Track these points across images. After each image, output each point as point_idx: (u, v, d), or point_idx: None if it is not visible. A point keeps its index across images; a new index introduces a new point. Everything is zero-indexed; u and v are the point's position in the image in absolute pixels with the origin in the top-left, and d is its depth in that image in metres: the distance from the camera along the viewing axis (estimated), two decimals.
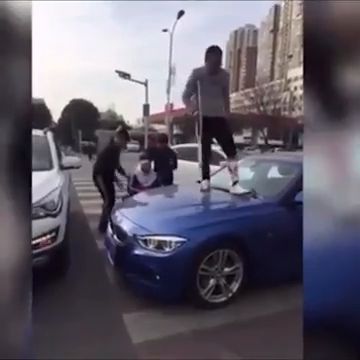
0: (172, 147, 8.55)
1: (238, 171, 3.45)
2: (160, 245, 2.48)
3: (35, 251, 2.52)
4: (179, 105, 25.25)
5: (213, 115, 3.38)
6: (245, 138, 50.51)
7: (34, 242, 2.52)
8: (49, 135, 4.23)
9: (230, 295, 2.63)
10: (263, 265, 2.70)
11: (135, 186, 4.62)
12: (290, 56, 75.45)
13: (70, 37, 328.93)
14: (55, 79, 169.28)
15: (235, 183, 3.35)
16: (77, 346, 2.08)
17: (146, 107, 18.44)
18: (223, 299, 2.62)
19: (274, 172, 3.74)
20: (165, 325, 2.36)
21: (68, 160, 4.03)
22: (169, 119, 19.96)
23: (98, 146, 35.14)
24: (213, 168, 5.22)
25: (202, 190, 3.46)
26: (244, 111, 40.21)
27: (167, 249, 2.46)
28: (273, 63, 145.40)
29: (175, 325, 2.36)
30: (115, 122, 50.17)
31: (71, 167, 3.97)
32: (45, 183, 2.97)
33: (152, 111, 20.52)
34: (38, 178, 2.69)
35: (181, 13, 17.54)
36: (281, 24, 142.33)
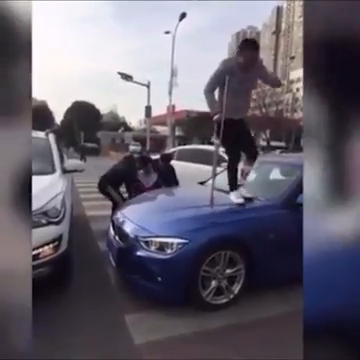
0: (173, 149, 8.59)
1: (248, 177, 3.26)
2: (162, 246, 2.49)
3: (36, 262, 2.36)
4: (181, 107, 25.31)
5: (236, 117, 3.04)
6: None
7: (35, 252, 2.36)
8: (51, 137, 4.08)
9: (232, 297, 2.63)
10: (265, 267, 2.70)
11: (137, 187, 4.64)
12: (292, 57, 75.41)
13: (72, 38, 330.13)
14: (57, 81, 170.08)
15: (239, 186, 3.19)
16: (79, 346, 2.09)
17: (148, 109, 18.48)
18: (225, 300, 2.62)
19: (276, 174, 3.74)
20: (167, 326, 2.36)
21: (71, 163, 3.84)
22: (171, 121, 19.97)
23: (101, 147, 35.36)
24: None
25: (238, 204, 2.99)
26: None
27: (169, 251, 2.46)
28: (275, 65, 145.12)
29: (177, 326, 2.36)
30: (117, 124, 50.41)
31: (74, 171, 3.75)
32: (47, 188, 2.82)
33: (154, 113, 20.57)
34: (39, 183, 2.59)
35: (183, 15, 17.58)
36: (283, 26, 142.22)
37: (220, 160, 6.45)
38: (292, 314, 2.43)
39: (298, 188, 2.89)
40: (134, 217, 2.98)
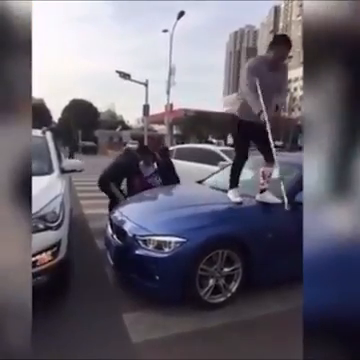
0: (172, 148, 8.57)
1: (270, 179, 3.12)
2: (159, 245, 2.49)
3: (34, 270, 2.18)
4: (179, 105, 25.26)
5: (256, 120, 2.90)
6: None
7: (32, 259, 2.18)
8: (48, 135, 3.90)
9: (229, 295, 2.64)
10: (262, 265, 2.71)
11: (138, 180, 4.70)
12: (290, 57, 75.53)
13: (71, 37, 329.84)
14: (55, 79, 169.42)
15: (263, 190, 3.06)
16: (77, 345, 2.08)
17: (146, 107, 18.41)
18: (222, 299, 2.62)
19: (274, 172, 3.73)
20: (164, 325, 2.36)
21: (70, 163, 3.67)
22: (169, 119, 19.94)
23: (98, 146, 35.25)
24: (212, 169, 5.25)
25: (236, 203, 2.98)
26: None
27: (166, 249, 2.46)
28: None
29: (174, 325, 2.36)
30: (115, 122, 50.23)
31: (73, 170, 3.56)
32: (45, 190, 2.63)
33: (152, 111, 20.50)
34: (37, 184, 2.36)
35: (181, 14, 17.51)
36: (281, 25, 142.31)
37: (218, 159, 6.46)
38: (290, 313, 2.44)
39: (296, 187, 2.89)
40: (132, 216, 2.97)
